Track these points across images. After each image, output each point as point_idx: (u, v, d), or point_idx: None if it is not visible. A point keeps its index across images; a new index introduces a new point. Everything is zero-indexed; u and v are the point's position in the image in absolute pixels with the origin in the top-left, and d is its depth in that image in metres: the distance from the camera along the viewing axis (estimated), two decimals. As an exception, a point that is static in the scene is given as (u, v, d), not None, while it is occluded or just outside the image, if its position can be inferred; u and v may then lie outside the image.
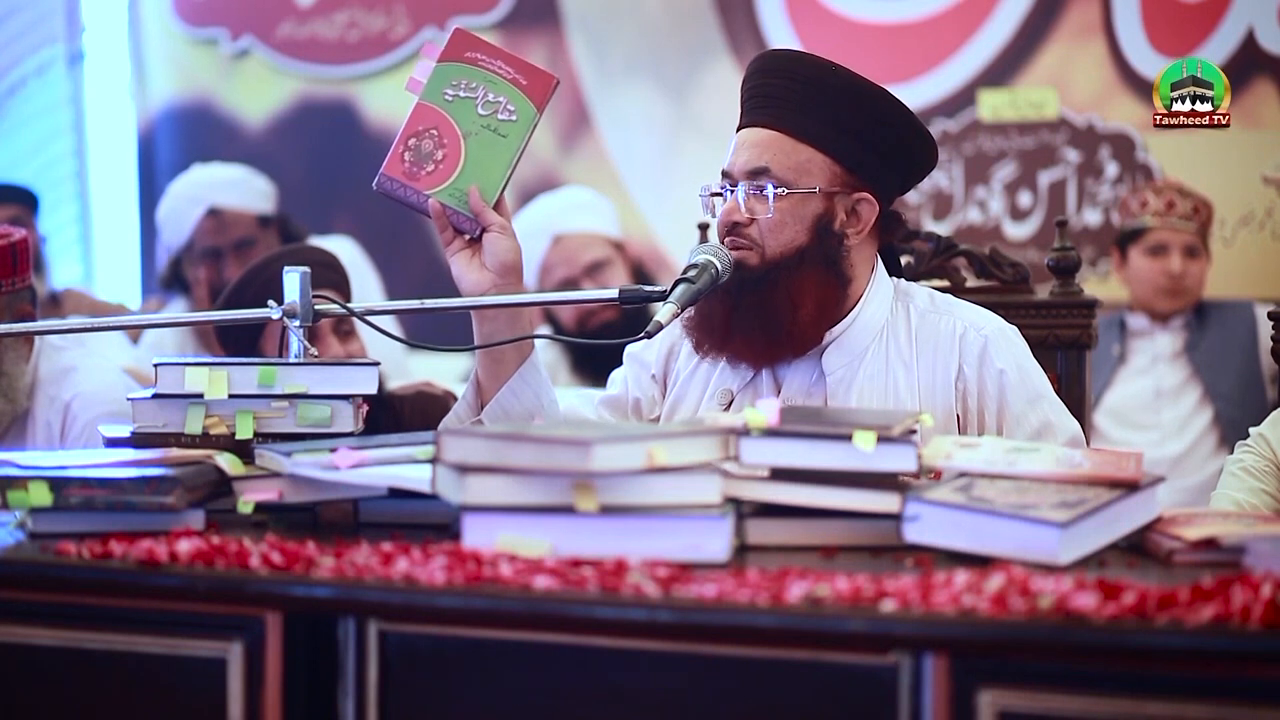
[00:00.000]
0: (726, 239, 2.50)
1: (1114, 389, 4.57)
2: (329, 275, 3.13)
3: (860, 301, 2.53)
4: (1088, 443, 2.74)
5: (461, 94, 2.49)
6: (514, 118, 2.50)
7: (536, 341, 2.59)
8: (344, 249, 4.80)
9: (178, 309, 4.78)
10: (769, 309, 2.46)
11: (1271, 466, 2.68)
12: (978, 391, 2.50)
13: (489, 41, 2.55)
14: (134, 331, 4.74)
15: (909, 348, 2.53)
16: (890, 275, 2.60)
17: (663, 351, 2.64)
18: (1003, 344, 2.53)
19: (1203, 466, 4.43)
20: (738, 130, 2.55)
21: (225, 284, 4.11)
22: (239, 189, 4.68)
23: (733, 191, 2.50)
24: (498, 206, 2.49)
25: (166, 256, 4.89)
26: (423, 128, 2.48)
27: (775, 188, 2.46)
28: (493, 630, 1.84)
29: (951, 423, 2.49)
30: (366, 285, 4.83)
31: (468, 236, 2.49)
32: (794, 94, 2.49)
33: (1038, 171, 5.19)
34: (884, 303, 2.55)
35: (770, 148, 2.49)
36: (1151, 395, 4.54)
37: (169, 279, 4.83)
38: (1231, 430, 4.32)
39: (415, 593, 1.82)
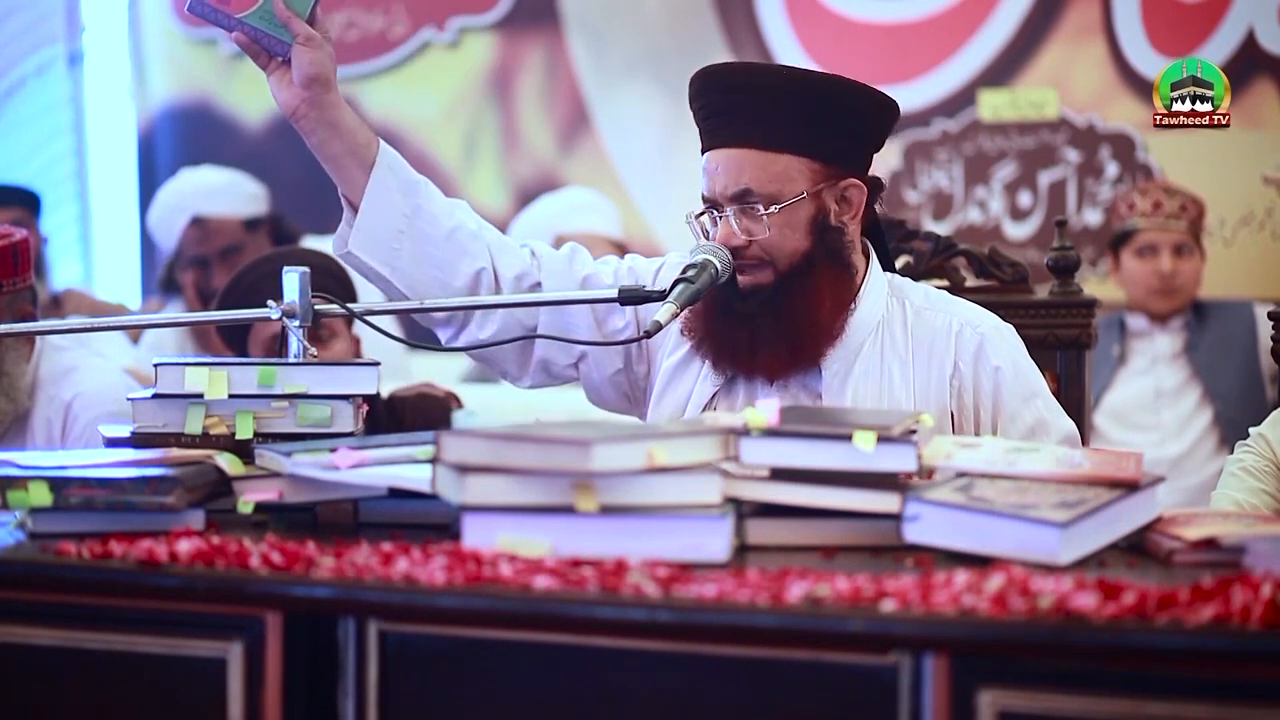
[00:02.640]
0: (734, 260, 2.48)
1: (1114, 390, 4.56)
2: (325, 280, 3.13)
3: (857, 297, 2.53)
4: (1087, 443, 2.75)
5: None
6: None
7: (383, 144, 2.54)
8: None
9: (175, 311, 4.80)
10: (791, 320, 2.45)
11: (1271, 466, 2.68)
12: (973, 388, 2.50)
13: None
14: (134, 332, 4.75)
15: (905, 344, 2.53)
16: (882, 265, 2.60)
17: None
18: (999, 341, 2.53)
19: (1203, 467, 4.42)
20: (703, 152, 2.51)
21: (213, 290, 4.16)
22: (223, 196, 4.69)
23: (722, 216, 2.48)
24: (312, 26, 2.46)
25: (162, 261, 4.93)
26: None
27: (766, 207, 2.45)
28: (493, 630, 1.84)
29: (946, 420, 2.49)
30: (368, 284, 4.83)
31: (281, 60, 2.48)
32: (748, 105, 2.46)
33: (1038, 171, 5.19)
34: (879, 298, 2.55)
35: (746, 167, 2.46)
36: (1151, 396, 4.54)
37: (165, 282, 4.88)
38: (1231, 430, 4.32)
39: (415, 593, 1.82)
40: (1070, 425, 2.54)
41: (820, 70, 2.52)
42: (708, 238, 2.52)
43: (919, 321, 2.54)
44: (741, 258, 2.47)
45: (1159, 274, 4.50)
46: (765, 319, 2.46)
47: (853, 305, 2.52)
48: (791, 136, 2.46)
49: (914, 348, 2.53)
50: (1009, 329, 2.57)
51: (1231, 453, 2.76)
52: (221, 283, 4.16)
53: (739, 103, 2.47)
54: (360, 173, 2.50)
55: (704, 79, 2.53)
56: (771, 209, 2.44)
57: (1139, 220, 4.54)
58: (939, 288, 2.81)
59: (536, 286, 2.58)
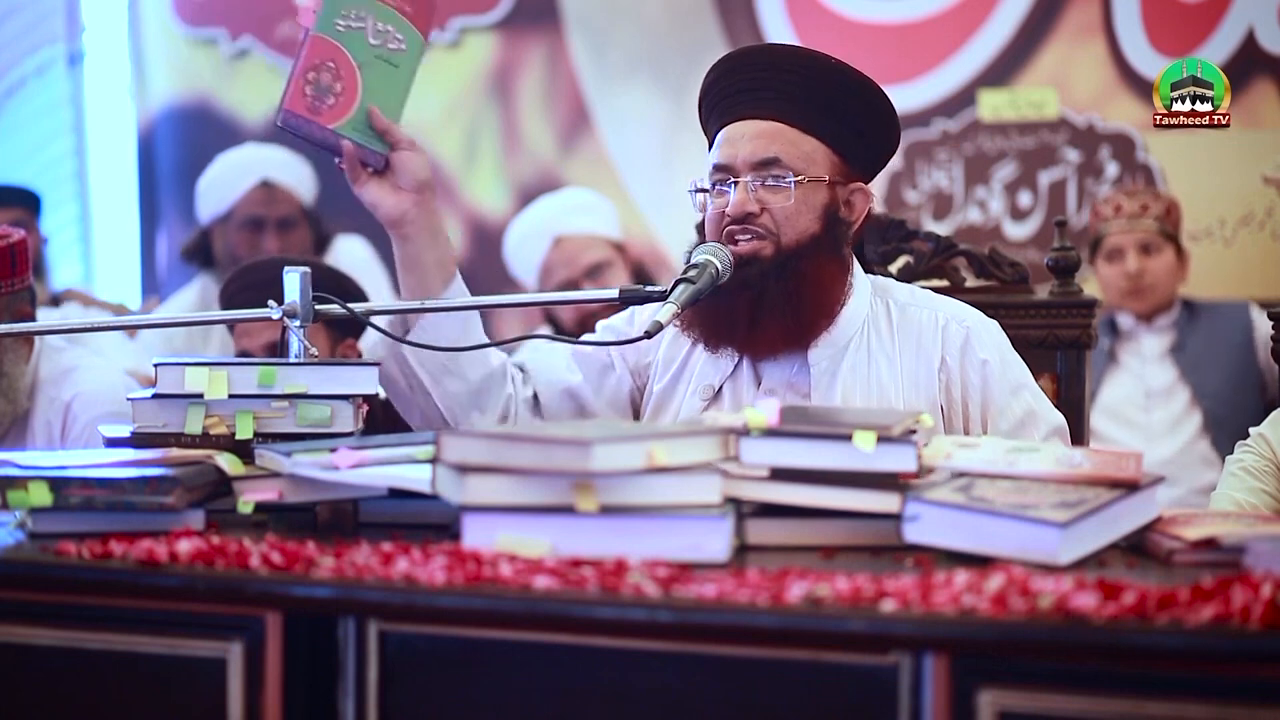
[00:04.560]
0: (735, 229, 2.48)
1: (1105, 388, 4.56)
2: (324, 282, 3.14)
3: (844, 295, 2.54)
4: (1087, 444, 2.74)
5: (352, 24, 2.47)
6: (403, 47, 2.50)
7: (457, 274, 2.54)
8: (355, 248, 4.86)
9: (194, 286, 4.85)
10: (802, 293, 2.46)
11: (1271, 466, 2.68)
12: (961, 382, 2.51)
13: None
14: (134, 331, 4.75)
15: (891, 341, 2.54)
16: (864, 269, 2.61)
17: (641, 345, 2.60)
18: (984, 335, 2.54)
19: (1195, 466, 4.42)
20: (725, 125, 2.52)
21: (259, 256, 4.24)
22: (292, 168, 4.78)
23: (735, 184, 2.49)
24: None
25: (196, 229, 4.93)
26: (319, 60, 2.45)
27: (793, 176, 2.46)
28: (493, 630, 1.84)
29: (936, 413, 2.50)
30: (376, 283, 4.85)
31: (372, 170, 2.48)
32: (787, 83, 2.49)
33: (1038, 171, 5.19)
34: (864, 297, 2.56)
35: (778, 138, 2.48)
36: (1142, 395, 4.54)
37: (194, 250, 4.85)
38: (1222, 430, 4.32)
39: (415, 593, 1.82)
40: (1058, 417, 2.54)
41: (863, 73, 2.53)
42: (703, 211, 2.53)
43: (904, 318, 2.55)
44: (749, 223, 2.47)
45: (1125, 274, 4.50)
46: (772, 288, 2.46)
47: (841, 303, 2.53)
48: (824, 124, 2.49)
49: (900, 343, 2.54)
50: (993, 324, 2.58)
51: (1225, 452, 2.76)
52: (271, 250, 4.33)
53: (777, 79, 2.49)
54: (441, 286, 2.50)
55: (740, 57, 2.56)
56: (798, 179, 2.46)
57: (1105, 226, 4.55)
58: (939, 288, 2.81)
59: (534, 398, 2.60)
